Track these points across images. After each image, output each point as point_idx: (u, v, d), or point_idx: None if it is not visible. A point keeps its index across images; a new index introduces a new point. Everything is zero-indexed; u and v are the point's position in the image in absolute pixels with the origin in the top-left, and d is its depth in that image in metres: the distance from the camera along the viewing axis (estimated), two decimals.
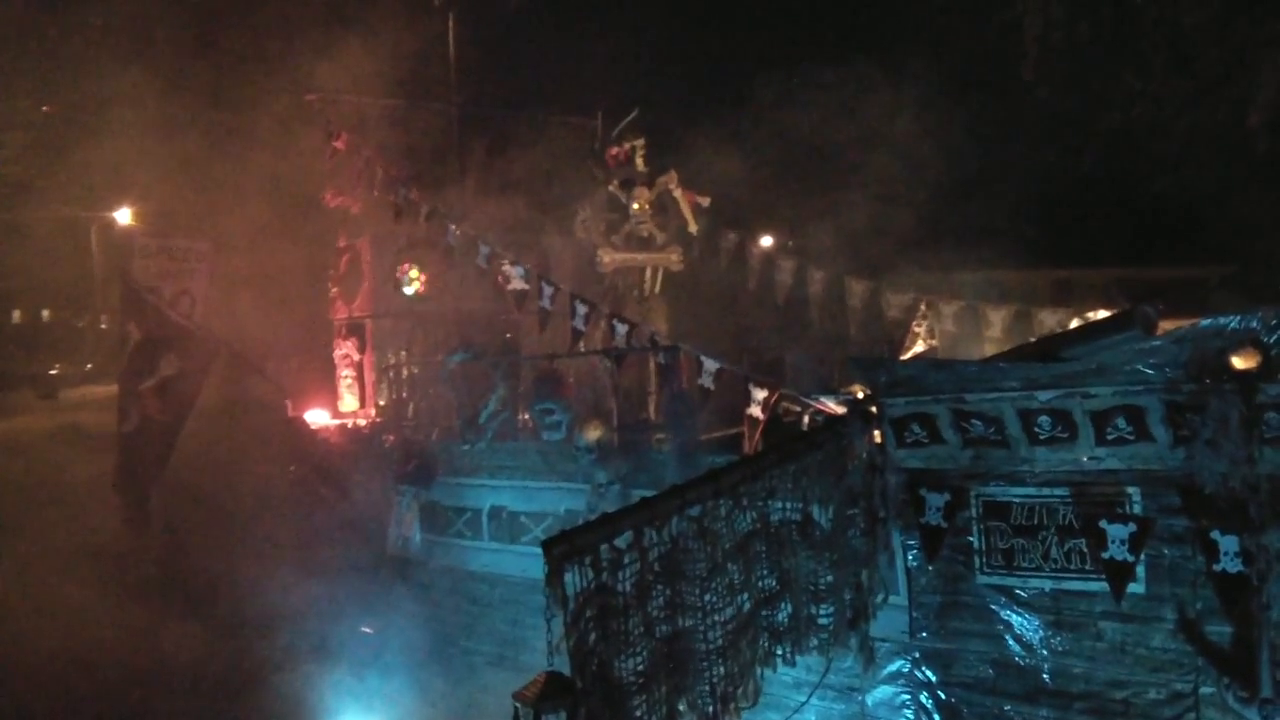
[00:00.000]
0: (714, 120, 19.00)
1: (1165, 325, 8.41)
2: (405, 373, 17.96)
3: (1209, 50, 21.41)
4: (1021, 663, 9.33)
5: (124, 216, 45.58)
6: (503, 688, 13.89)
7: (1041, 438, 8.89)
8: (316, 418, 18.66)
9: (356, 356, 19.02)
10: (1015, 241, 19.20)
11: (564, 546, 7.76)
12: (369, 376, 18.89)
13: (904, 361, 9.50)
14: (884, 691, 10.14)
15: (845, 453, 9.44)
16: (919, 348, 15.63)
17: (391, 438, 16.45)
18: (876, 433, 9.49)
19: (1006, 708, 9.45)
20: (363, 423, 18.37)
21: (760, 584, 8.91)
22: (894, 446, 9.52)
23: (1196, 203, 20.75)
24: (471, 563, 14.83)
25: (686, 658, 8.34)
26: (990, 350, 14.62)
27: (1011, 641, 9.37)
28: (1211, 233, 21.08)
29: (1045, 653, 9.22)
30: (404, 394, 17.93)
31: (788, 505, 9.03)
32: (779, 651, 9.05)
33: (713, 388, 11.76)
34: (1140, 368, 8.26)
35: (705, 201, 16.87)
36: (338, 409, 19.07)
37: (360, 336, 19.06)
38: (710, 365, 11.78)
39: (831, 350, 17.23)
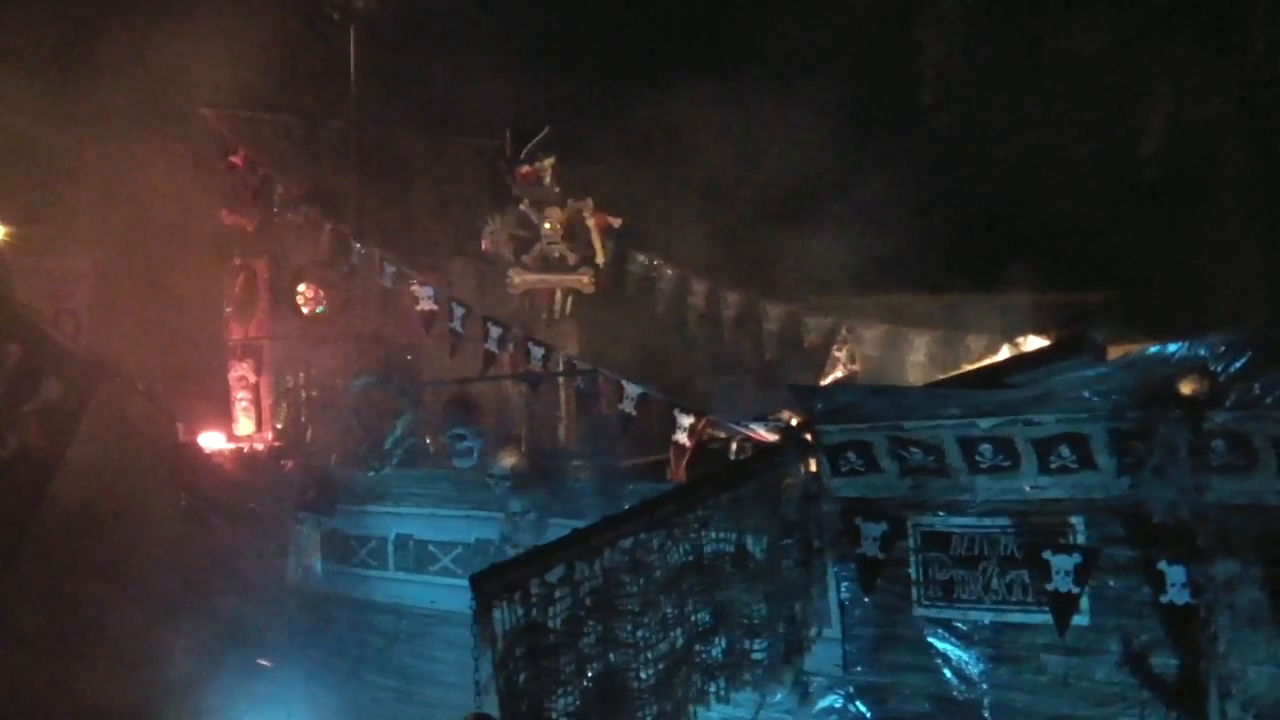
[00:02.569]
0: (620, 143, 18.65)
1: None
2: (304, 396, 17.42)
3: (1108, 78, 21.61)
4: (960, 697, 9.04)
5: None
6: None
7: (983, 466, 8.63)
8: (210, 441, 17.98)
9: (253, 378, 18.36)
10: (904, 267, 19.09)
11: (494, 582, 7.41)
12: (266, 399, 18.26)
13: (842, 388, 9.24)
14: None
15: (780, 481, 9.16)
16: (839, 373, 15.47)
17: (290, 463, 15.87)
18: (812, 461, 9.21)
19: None
20: (259, 447, 17.75)
21: (694, 619, 8.60)
22: (829, 475, 9.24)
23: (1083, 229, 20.87)
24: (376, 593, 14.29)
25: (619, 697, 8.01)
26: (914, 376, 14.51)
27: (950, 675, 9.07)
28: (1095, 259, 21.23)
29: (985, 687, 8.92)
30: (303, 418, 17.38)
31: (721, 536, 8.72)
32: (713, 689, 8.73)
33: (634, 413, 11.41)
34: (1085, 394, 8.05)
35: (617, 223, 16.61)
36: (233, 433, 18.40)
37: (257, 358, 18.42)
38: (632, 390, 11.43)
39: (746, 377, 17.02)
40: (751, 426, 10.78)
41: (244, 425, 18.44)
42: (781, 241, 18.73)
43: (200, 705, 14.83)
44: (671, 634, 8.36)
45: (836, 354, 15.79)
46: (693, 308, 17.49)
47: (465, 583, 12.66)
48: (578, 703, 7.72)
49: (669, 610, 8.35)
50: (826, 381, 14.86)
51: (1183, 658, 8.04)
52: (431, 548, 13.53)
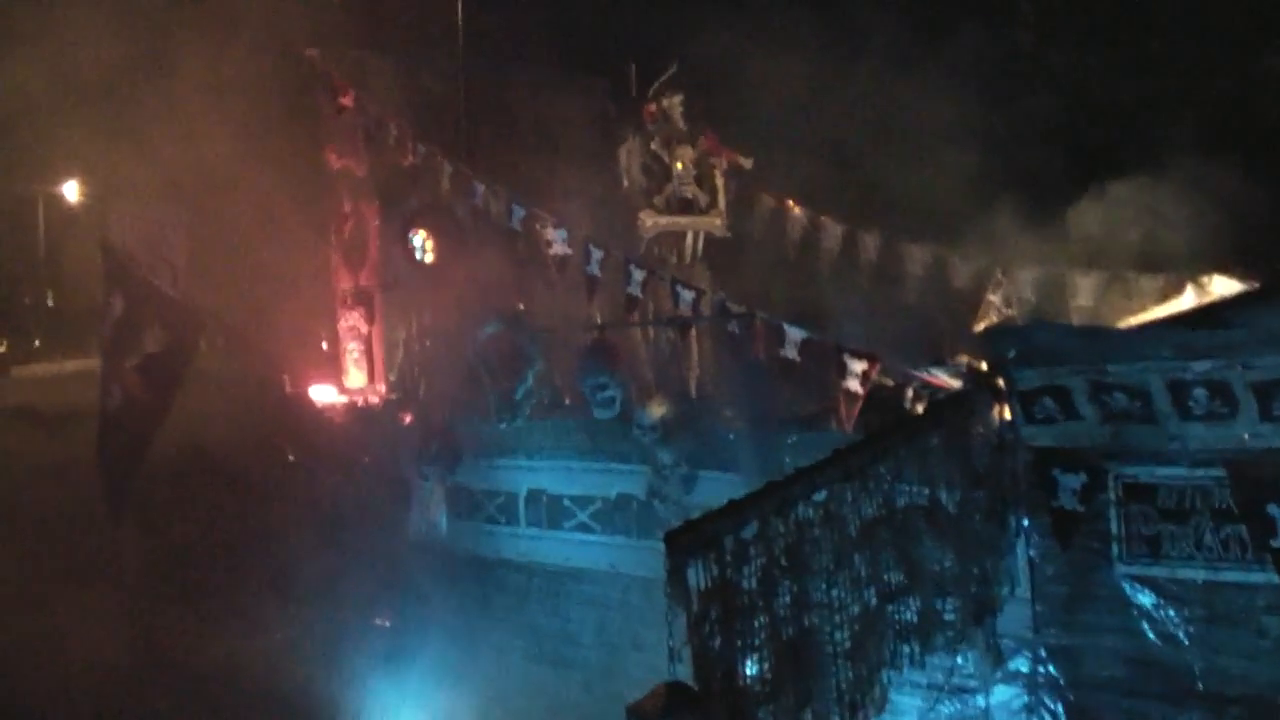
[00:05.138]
0: (738, 81, 17.97)
1: None
2: (419, 346, 16.98)
3: (1232, 18, 20.82)
4: (1166, 661, 8.45)
5: (71, 191, 44.24)
6: (543, 684, 13.12)
7: (1196, 413, 7.98)
8: (321, 394, 17.57)
9: (364, 328, 17.92)
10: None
11: (689, 539, 6.86)
12: (378, 350, 17.83)
13: (1040, 328, 8.59)
14: (1002, 693, 9.26)
15: (969, 430, 8.56)
16: (992, 318, 14.74)
17: (409, 416, 15.41)
18: (1004, 408, 8.60)
19: (1147, 710, 8.59)
20: (374, 400, 17.31)
21: (886, 577, 8.01)
22: (1022, 423, 8.62)
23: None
24: (506, 550, 13.92)
25: (812, 661, 7.45)
26: (1079, 320, 13.76)
27: (1154, 637, 8.49)
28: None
29: (1196, 650, 8.33)
30: (417, 369, 16.94)
31: (914, 489, 8.14)
32: (906, 652, 8.16)
33: (797, 359, 10.82)
34: None
35: (748, 163, 15.98)
36: (343, 384, 17.98)
37: (368, 306, 17.97)
38: (794, 335, 10.82)
39: (888, 322, 16.31)
40: (931, 372, 10.18)
41: (355, 377, 18.03)
42: (908, 182, 17.97)
43: (309, 663, 14.52)
44: (865, 593, 7.80)
45: (991, 298, 15.05)
46: (826, 251, 16.87)
47: (602, 539, 12.42)
48: (770, 668, 7.18)
49: (862, 568, 7.79)
50: (980, 327, 14.18)
51: None
52: (566, 502, 13.10)
